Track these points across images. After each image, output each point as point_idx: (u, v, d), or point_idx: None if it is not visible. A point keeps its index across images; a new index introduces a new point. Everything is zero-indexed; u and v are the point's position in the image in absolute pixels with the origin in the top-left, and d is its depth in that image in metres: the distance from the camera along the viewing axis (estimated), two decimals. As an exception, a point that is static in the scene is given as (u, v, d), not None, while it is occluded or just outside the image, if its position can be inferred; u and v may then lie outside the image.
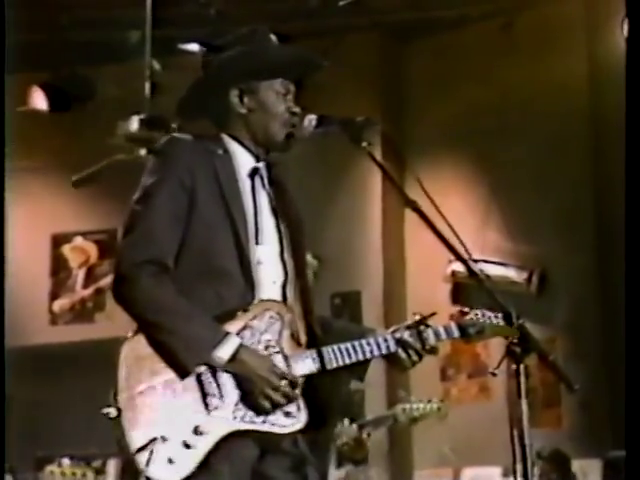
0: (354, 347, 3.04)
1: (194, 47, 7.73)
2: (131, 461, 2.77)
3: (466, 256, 2.89)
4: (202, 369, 2.86)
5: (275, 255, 3.06)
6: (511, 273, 7.89)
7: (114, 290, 2.94)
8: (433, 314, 3.18)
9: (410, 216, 2.93)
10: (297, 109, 3.12)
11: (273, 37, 3.18)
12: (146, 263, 2.90)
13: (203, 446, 2.81)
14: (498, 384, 7.53)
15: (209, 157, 3.03)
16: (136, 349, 2.86)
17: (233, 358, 2.86)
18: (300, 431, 2.95)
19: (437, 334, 3.15)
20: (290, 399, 2.90)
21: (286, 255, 3.09)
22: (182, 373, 2.84)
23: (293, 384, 2.91)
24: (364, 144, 3.02)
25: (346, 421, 5.91)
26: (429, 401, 5.79)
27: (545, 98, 8.05)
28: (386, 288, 8.38)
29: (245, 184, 3.07)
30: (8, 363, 5.51)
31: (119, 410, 2.79)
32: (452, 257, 2.93)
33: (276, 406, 2.88)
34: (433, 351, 3.16)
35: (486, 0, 8.06)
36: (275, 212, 3.11)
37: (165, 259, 2.93)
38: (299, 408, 2.93)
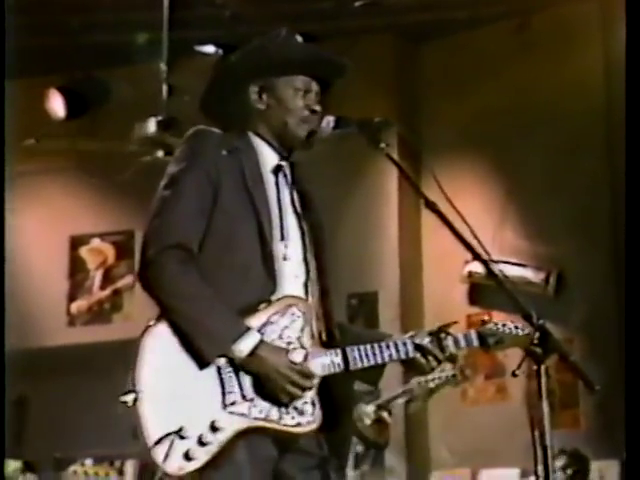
0: (373, 349, 3.03)
1: (210, 49, 7.74)
2: (148, 454, 2.76)
3: (485, 256, 2.89)
4: (222, 363, 2.86)
5: (299, 253, 3.07)
6: (528, 274, 7.86)
7: (140, 274, 2.94)
8: (454, 322, 3.17)
9: (427, 216, 2.94)
10: (317, 107, 3.12)
11: (298, 37, 3.19)
12: (173, 248, 2.90)
13: (219, 441, 2.80)
14: (516, 385, 7.50)
15: (235, 151, 3.04)
16: (157, 338, 2.86)
17: (252, 353, 2.86)
18: (315, 431, 2.95)
19: (457, 342, 3.13)
20: (308, 389, 2.90)
21: (309, 255, 3.09)
22: (201, 363, 2.84)
23: (310, 378, 2.91)
24: (382, 145, 3.03)
25: (362, 404, 5.86)
26: (442, 370, 5.73)
27: (561, 98, 8.02)
28: (403, 289, 8.36)
29: (269, 180, 3.08)
30: (27, 364, 5.54)
31: (136, 398, 2.77)
32: (468, 257, 2.93)
33: (295, 399, 2.88)
34: (452, 359, 3.15)
35: (501, 0, 8.04)
36: (297, 211, 3.12)
37: (191, 245, 2.93)
38: (314, 408, 2.93)
